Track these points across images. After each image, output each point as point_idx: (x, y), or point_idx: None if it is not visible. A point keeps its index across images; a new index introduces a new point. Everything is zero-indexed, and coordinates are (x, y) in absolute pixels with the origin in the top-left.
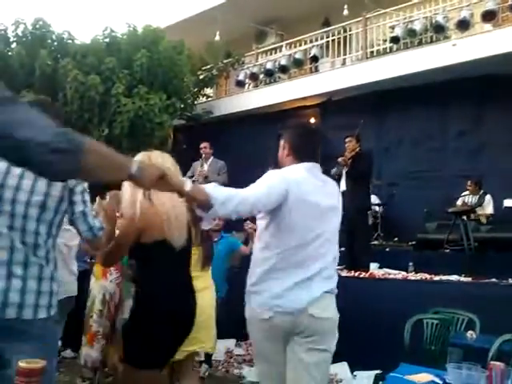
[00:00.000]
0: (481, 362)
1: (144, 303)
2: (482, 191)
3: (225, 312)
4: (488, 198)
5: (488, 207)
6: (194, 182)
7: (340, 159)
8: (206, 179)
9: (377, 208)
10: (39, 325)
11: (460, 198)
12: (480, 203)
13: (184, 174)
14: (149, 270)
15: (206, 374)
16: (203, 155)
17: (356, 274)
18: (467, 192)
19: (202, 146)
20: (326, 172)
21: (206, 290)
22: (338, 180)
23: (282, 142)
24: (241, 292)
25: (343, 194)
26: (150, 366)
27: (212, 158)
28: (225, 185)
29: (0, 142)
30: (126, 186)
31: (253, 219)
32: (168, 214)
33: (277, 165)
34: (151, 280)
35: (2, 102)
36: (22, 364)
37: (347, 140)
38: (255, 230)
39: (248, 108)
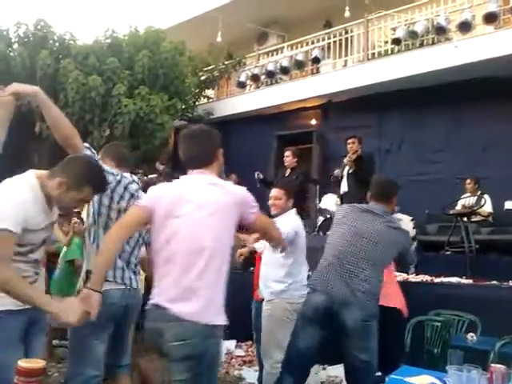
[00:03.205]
0: (481, 365)
1: None
2: (479, 192)
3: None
4: (485, 197)
5: (487, 206)
6: None
7: (345, 160)
8: None
9: None
10: None
11: (459, 202)
12: (480, 205)
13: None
14: None
15: None
16: None
17: None
18: (467, 194)
19: None
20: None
21: None
22: (339, 181)
23: (286, 195)
24: (243, 294)
25: (345, 195)
26: None
27: None
28: None
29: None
30: None
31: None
32: None
33: (277, 168)
34: None
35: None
36: (21, 364)
37: (350, 141)
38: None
39: (249, 109)
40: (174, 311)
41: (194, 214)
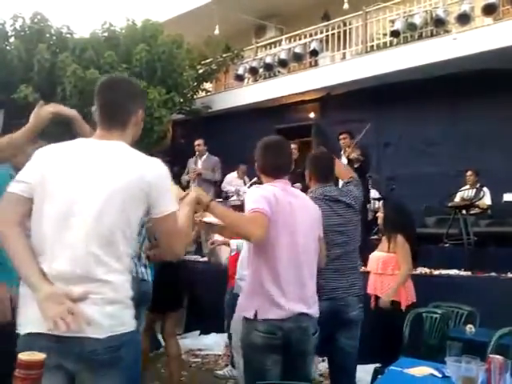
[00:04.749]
0: (480, 356)
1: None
2: (478, 184)
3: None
4: (485, 190)
5: (486, 199)
6: (188, 181)
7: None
8: (200, 176)
9: (376, 202)
10: None
11: (458, 194)
12: (479, 197)
13: (182, 169)
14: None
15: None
16: (197, 152)
17: None
18: (467, 186)
19: (196, 143)
20: None
21: None
22: None
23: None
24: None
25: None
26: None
27: (206, 154)
28: (219, 182)
29: None
30: None
31: None
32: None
33: None
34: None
35: None
36: (21, 357)
37: (341, 137)
38: None
39: (247, 102)
40: (310, 312)
41: (306, 228)
